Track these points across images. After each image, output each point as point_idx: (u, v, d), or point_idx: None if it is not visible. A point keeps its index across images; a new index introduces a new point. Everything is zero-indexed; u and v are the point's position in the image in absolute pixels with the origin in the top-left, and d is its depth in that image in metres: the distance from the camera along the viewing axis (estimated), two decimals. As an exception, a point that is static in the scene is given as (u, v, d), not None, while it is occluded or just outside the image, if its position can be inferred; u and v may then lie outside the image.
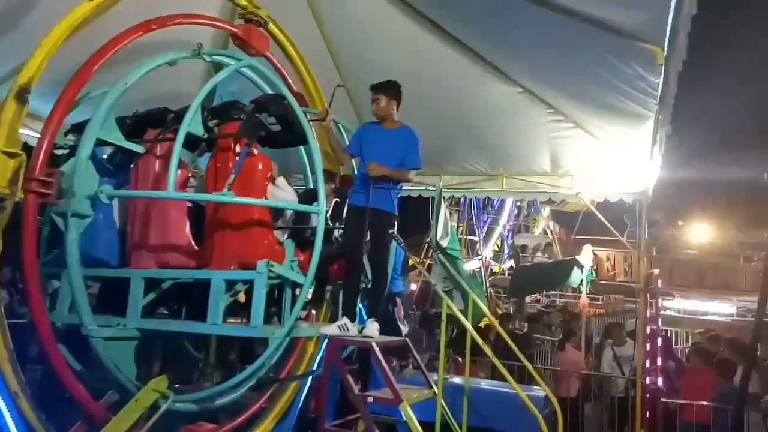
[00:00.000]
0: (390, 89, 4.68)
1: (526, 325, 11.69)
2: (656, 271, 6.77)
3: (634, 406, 6.77)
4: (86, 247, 4.01)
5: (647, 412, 6.42)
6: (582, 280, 12.27)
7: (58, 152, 4.39)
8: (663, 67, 4.54)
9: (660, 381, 6.11)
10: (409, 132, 4.72)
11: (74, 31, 3.91)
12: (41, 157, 3.78)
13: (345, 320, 4.37)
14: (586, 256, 12.37)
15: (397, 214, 4.66)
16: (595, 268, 14.54)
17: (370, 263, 4.67)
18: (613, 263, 17.04)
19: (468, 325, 4.70)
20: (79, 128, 4.36)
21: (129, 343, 4.17)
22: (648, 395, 6.35)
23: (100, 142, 4.12)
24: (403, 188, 4.84)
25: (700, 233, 20.07)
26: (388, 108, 4.66)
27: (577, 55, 5.27)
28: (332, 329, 4.30)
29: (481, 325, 8.84)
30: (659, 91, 5.00)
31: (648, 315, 6.89)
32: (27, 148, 3.91)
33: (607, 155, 7.02)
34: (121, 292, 4.43)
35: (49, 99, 4.10)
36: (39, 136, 4.00)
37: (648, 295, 6.99)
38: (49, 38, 3.79)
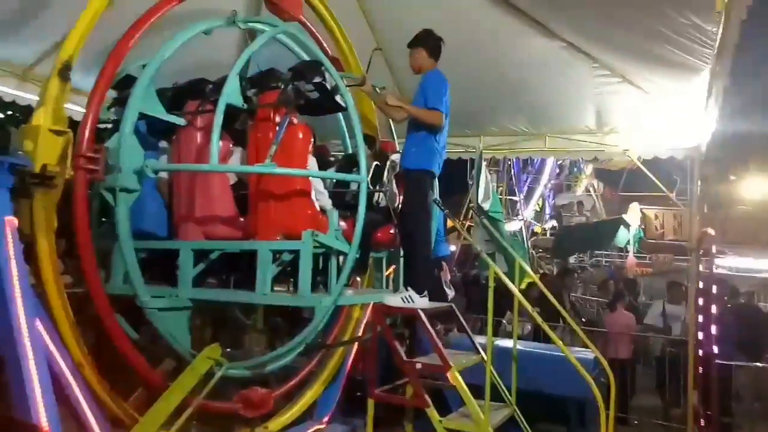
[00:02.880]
0: (414, 41, 4.54)
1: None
2: (710, 229, 6.50)
3: (684, 366, 6.64)
4: (135, 220, 4.08)
5: (700, 372, 6.29)
6: (629, 239, 11.98)
7: (101, 126, 4.45)
8: (722, 14, 4.24)
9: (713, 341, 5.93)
10: (429, 73, 4.48)
11: (110, 4, 3.89)
12: (87, 133, 3.83)
13: (410, 292, 4.29)
14: (633, 214, 12.07)
15: (428, 169, 4.39)
16: (643, 227, 14.16)
17: (402, 227, 4.56)
18: (662, 222, 16.54)
19: (514, 288, 4.63)
20: (120, 102, 4.40)
21: (182, 312, 4.27)
22: (701, 355, 6.20)
23: (142, 116, 4.15)
24: (431, 143, 4.42)
25: (755, 187, 19.19)
26: (417, 59, 4.52)
27: (626, 6, 4.98)
28: (396, 300, 4.28)
29: (523, 286, 8.76)
30: (717, 40, 4.69)
31: (700, 274, 6.67)
32: (71, 124, 3.96)
33: (656, 110, 6.71)
34: (164, 262, 4.54)
35: (88, 73, 4.14)
36: (82, 110, 4.06)
37: (700, 253, 6.75)
38: (87, 12, 3.78)
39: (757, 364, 6.09)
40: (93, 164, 3.83)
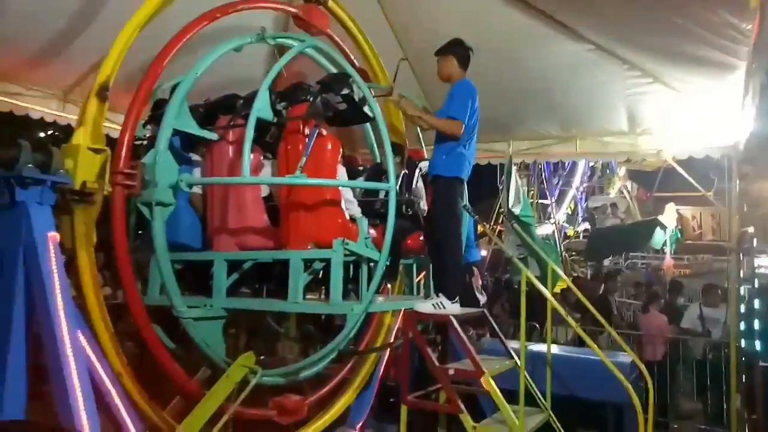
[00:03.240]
0: (442, 49, 4.53)
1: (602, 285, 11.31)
2: (750, 229, 6.32)
3: (726, 370, 6.46)
4: (170, 233, 4.20)
5: (743, 377, 6.10)
6: (666, 240, 11.71)
7: (137, 143, 4.60)
8: (757, 12, 4.15)
9: (758, 344, 5.76)
10: (458, 83, 4.45)
11: (145, 26, 4.04)
12: (124, 151, 3.97)
13: (441, 298, 4.28)
14: (669, 215, 11.80)
15: (457, 177, 4.36)
16: (680, 227, 13.82)
17: (432, 233, 4.55)
18: (699, 222, 16.11)
19: (547, 293, 4.59)
20: (155, 119, 4.55)
21: (217, 322, 4.37)
22: (743, 358, 6.03)
23: (176, 132, 4.28)
24: (460, 150, 4.37)
25: (797, 185, 18.53)
26: (445, 68, 4.51)
27: (655, 7, 4.91)
28: (427, 307, 4.29)
29: (557, 290, 8.64)
30: (752, 37, 4.58)
31: (740, 275, 6.49)
32: (109, 141, 4.11)
33: (690, 109, 6.58)
34: (199, 273, 4.65)
35: (125, 92, 4.29)
36: (117, 127, 4.21)
37: (740, 254, 6.57)
38: (123, 34, 3.92)
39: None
40: (130, 180, 3.96)
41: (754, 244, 6.33)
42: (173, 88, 4.37)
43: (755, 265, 6.75)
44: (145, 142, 4.69)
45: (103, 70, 3.83)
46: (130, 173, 3.96)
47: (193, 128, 4.34)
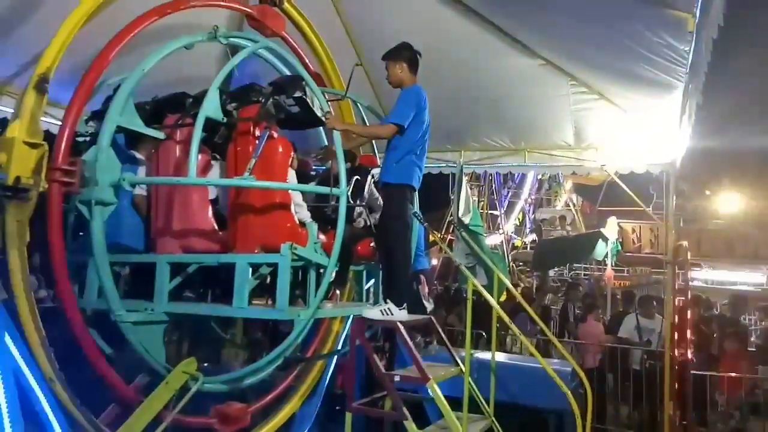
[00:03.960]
0: (391, 54, 4.43)
1: (548, 297, 11.64)
2: (685, 243, 6.63)
3: (660, 378, 6.72)
4: (111, 234, 4.05)
5: (676, 385, 6.36)
6: (607, 252, 12.13)
7: (79, 139, 4.43)
8: (694, 34, 4.36)
9: (690, 353, 6.03)
10: (405, 89, 4.36)
11: (90, 18, 3.89)
12: (63, 146, 3.80)
13: (389, 305, 4.23)
14: (611, 228, 12.22)
15: (407, 184, 4.29)
16: (620, 240, 14.36)
17: (381, 240, 4.53)
18: (638, 235, 16.81)
19: (493, 301, 4.66)
20: (98, 115, 4.38)
21: (157, 326, 4.23)
22: (677, 367, 6.29)
23: (120, 129, 4.13)
24: (411, 157, 4.29)
25: (730, 203, 19.61)
26: (395, 74, 4.41)
27: (601, 25, 5.10)
28: (375, 313, 4.26)
29: (502, 299, 8.82)
30: (689, 59, 4.82)
31: (675, 287, 6.79)
32: (48, 136, 3.93)
33: (632, 126, 6.85)
34: (141, 276, 4.50)
35: (67, 86, 4.12)
36: (59, 123, 4.04)
37: (676, 266, 6.87)
38: (66, 26, 3.76)
39: (732, 374, 6.19)
40: (68, 177, 3.80)
41: (688, 257, 6.63)
42: (118, 85, 4.23)
43: (690, 278, 7.06)
44: (87, 139, 4.52)
45: (43, 61, 3.66)
46: (68, 170, 3.80)
47: (138, 126, 4.21)
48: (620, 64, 5.58)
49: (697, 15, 4.17)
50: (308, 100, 4.21)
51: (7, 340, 3.25)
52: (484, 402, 4.63)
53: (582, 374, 5.07)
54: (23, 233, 3.57)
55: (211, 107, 4.00)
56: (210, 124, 4.02)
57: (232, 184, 4.16)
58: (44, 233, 3.75)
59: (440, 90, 6.44)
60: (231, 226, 4.28)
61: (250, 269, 4.04)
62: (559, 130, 7.40)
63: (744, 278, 18.19)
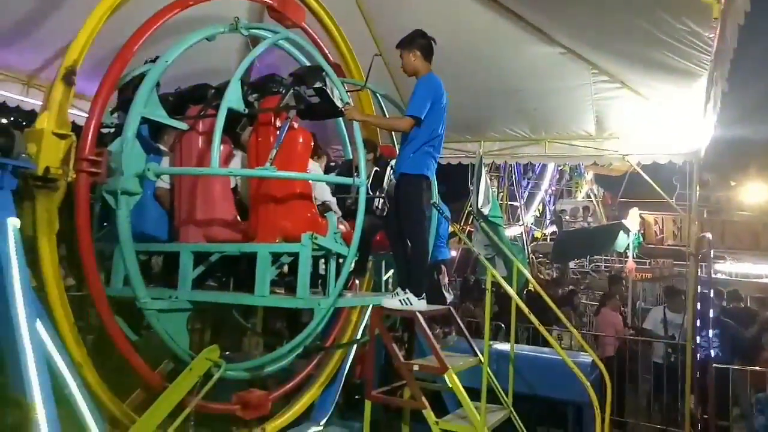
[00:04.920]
0: (404, 42, 4.40)
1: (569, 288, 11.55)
2: (708, 234, 6.53)
3: (681, 371, 6.66)
4: (136, 223, 4.13)
5: (697, 377, 6.30)
6: (628, 244, 12.00)
7: (104, 131, 4.52)
8: (719, 21, 4.28)
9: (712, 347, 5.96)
10: (422, 78, 4.33)
11: (114, 11, 3.96)
12: (90, 137, 3.89)
13: (408, 294, 4.27)
14: (632, 219, 12.11)
15: (424, 174, 4.30)
16: (642, 231, 14.18)
17: (398, 230, 4.50)
18: (661, 227, 16.55)
19: (512, 292, 4.66)
20: (123, 106, 4.46)
21: (181, 314, 4.31)
22: (698, 360, 6.22)
23: (145, 120, 4.20)
24: (427, 148, 4.29)
25: (755, 193, 19.20)
26: (409, 62, 4.39)
27: (624, 12, 5.03)
28: (394, 303, 4.29)
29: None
30: (714, 46, 4.73)
31: (699, 279, 6.70)
32: (75, 127, 4.02)
33: (655, 115, 6.76)
34: (166, 264, 4.59)
35: (93, 79, 4.20)
36: (85, 115, 4.12)
37: (699, 258, 6.78)
38: (92, 19, 3.84)
39: (755, 368, 6.10)
40: (95, 167, 3.89)
41: (711, 249, 6.53)
42: (141, 76, 4.29)
43: (713, 271, 6.96)
44: (112, 130, 4.61)
45: (70, 54, 3.74)
46: (95, 160, 3.88)
47: (162, 117, 4.27)
48: (643, 51, 5.49)
49: (723, 1, 4.09)
50: (328, 91, 4.23)
51: (39, 326, 3.35)
52: (502, 393, 4.64)
53: (602, 366, 5.06)
54: (53, 222, 3.67)
55: (233, 98, 4.04)
56: (232, 115, 4.06)
57: (254, 174, 4.21)
58: (71, 223, 3.85)
59: (460, 80, 6.42)
60: (252, 215, 4.33)
61: (271, 258, 4.09)
62: (580, 119, 7.32)
63: (769, 271, 17.84)
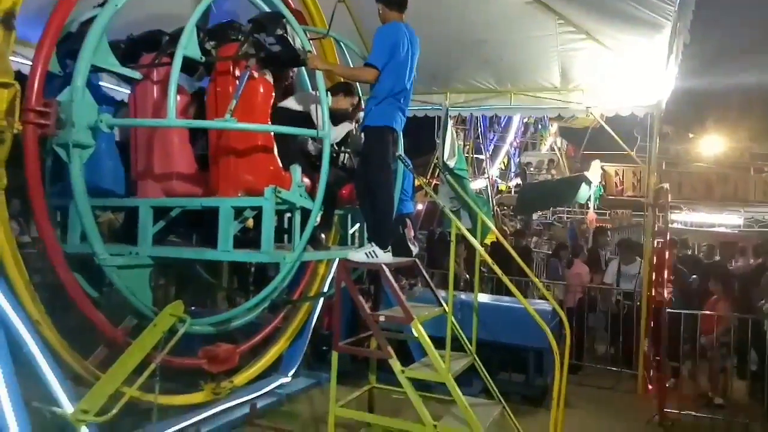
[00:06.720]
0: None
1: (533, 239, 11.79)
2: (666, 185, 6.69)
3: (638, 317, 6.95)
4: (91, 177, 3.99)
5: (651, 323, 6.58)
6: (590, 195, 12.25)
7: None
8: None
9: (666, 293, 6.20)
10: (381, 27, 4.23)
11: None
12: (36, 87, 3.69)
13: (374, 247, 4.26)
14: (594, 171, 12.33)
15: (388, 126, 4.20)
16: (603, 183, 14.50)
17: (363, 182, 4.44)
18: (621, 178, 16.93)
19: (477, 244, 4.71)
20: (71, 54, 4.22)
21: (143, 270, 4.23)
22: (653, 306, 6.49)
23: (95, 69, 3.99)
24: (392, 99, 4.18)
25: (712, 145, 19.75)
26: (380, 15, 4.31)
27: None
28: (360, 256, 4.29)
29: (487, 242, 8.94)
30: (678, -5, 4.73)
31: (656, 229, 6.91)
32: (20, 76, 3.78)
33: (619, 67, 6.80)
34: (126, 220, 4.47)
35: (37, 24, 3.94)
36: (29, 63, 3.89)
37: (656, 209, 6.97)
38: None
39: (706, 312, 6.39)
40: (43, 119, 3.69)
41: (669, 199, 6.70)
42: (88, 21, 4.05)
43: (669, 220, 7.18)
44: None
45: (8, -5, 3.48)
46: (43, 111, 3.69)
47: (113, 65, 4.06)
48: (609, 1, 5.46)
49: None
50: (289, 39, 4.08)
51: (-9, 284, 3.24)
52: (466, 340, 4.76)
53: (562, 313, 5.21)
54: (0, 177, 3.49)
55: (189, 45, 3.86)
56: (188, 63, 3.89)
57: (213, 126, 4.08)
58: (22, 178, 3.68)
59: (425, 31, 6.21)
60: (213, 169, 4.23)
61: (234, 212, 4.02)
62: (545, 71, 7.31)
63: (722, 220, 18.58)
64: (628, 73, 6.81)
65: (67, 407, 3.34)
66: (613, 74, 6.94)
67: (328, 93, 4.54)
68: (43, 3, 3.94)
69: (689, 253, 9.60)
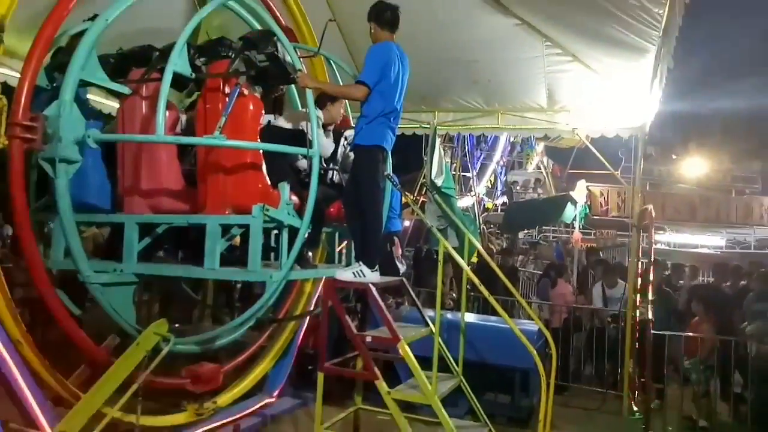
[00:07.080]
0: (368, 14, 4.36)
1: (519, 258, 11.82)
2: (650, 206, 6.77)
3: (623, 337, 6.97)
4: (77, 193, 3.93)
5: (636, 344, 6.61)
6: (575, 215, 12.35)
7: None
8: (668, -4, 4.37)
9: (650, 313, 6.24)
10: (373, 47, 4.28)
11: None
12: (23, 100, 3.65)
13: (361, 266, 4.24)
14: (580, 191, 12.41)
15: (380, 145, 4.24)
16: (588, 203, 14.63)
17: (352, 201, 4.44)
18: (606, 198, 17.13)
19: (464, 263, 4.71)
20: (60, 68, 4.19)
21: (127, 288, 4.17)
22: (638, 327, 6.52)
23: (83, 83, 3.96)
24: (382, 118, 4.21)
25: (694, 167, 20.11)
26: (372, 33, 4.37)
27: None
28: (347, 275, 4.26)
29: (474, 260, 8.94)
30: (663, 22, 4.83)
31: (640, 250, 6.98)
32: (7, 89, 3.75)
33: (604, 89, 6.90)
34: (111, 237, 4.40)
35: (26, 37, 3.91)
36: (17, 76, 3.85)
37: (641, 230, 7.04)
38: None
39: (689, 334, 6.43)
40: (29, 133, 3.65)
41: (653, 221, 6.77)
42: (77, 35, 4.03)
43: (653, 241, 7.25)
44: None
45: (-2, 8, 3.46)
46: (29, 125, 3.64)
47: (102, 80, 4.04)
48: (595, 25, 5.57)
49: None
50: (280, 56, 4.09)
51: (-30, 301, 3.16)
52: (453, 361, 4.73)
53: (548, 334, 5.22)
54: (-18, 191, 3.44)
55: (179, 61, 3.85)
56: (178, 79, 3.88)
57: (202, 143, 4.06)
58: (6, 192, 3.63)
59: (415, 50, 6.28)
60: (201, 185, 4.19)
61: (221, 230, 3.98)
62: (532, 92, 7.40)
63: (705, 241, 18.82)
64: (613, 95, 6.92)
65: (46, 429, 3.25)
66: (599, 96, 7.05)
67: (317, 109, 4.55)
68: (32, 14, 3.92)
69: (666, 274, 9.67)
